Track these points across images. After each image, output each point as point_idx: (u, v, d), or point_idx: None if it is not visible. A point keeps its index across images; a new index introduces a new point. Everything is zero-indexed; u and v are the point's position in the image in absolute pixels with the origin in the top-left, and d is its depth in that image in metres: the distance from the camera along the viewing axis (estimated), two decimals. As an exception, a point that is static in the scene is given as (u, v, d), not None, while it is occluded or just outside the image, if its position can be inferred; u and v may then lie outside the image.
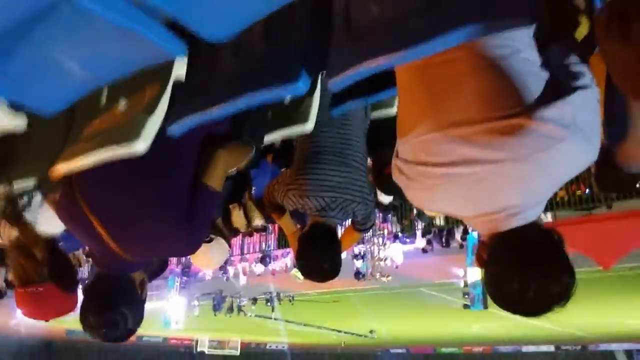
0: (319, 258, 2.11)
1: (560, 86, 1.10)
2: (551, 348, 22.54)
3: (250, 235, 11.39)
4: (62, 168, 1.56)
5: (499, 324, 17.19)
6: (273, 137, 2.01)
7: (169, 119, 1.41)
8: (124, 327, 1.60)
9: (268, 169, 3.02)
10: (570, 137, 1.07)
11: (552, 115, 1.06)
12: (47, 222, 1.88)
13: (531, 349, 22.66)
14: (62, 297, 1.86)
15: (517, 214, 1.15)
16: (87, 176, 1.52)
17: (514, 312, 1.19)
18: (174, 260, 12.08)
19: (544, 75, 1.11)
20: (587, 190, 8.13)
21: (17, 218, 1.87)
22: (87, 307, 1.61)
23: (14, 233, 1.87)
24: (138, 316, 1.66)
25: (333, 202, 2.10)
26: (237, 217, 3.17)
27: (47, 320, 1.90)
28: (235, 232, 3.27)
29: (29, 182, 1.80)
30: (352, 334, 20.40)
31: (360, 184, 2.14)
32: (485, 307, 11.21)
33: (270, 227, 10.01)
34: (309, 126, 1.94)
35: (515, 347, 22.88)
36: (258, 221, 5.12)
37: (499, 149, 1.09)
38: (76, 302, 1.99)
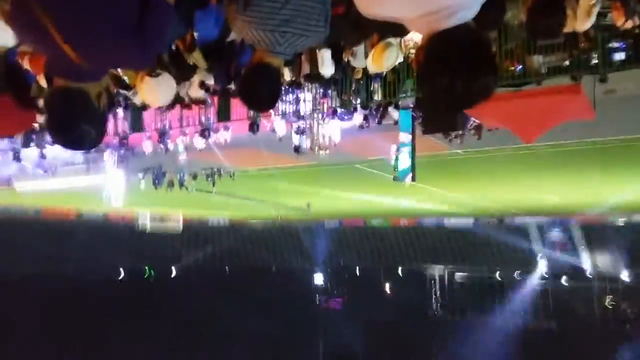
0: (262, 100, 2.21)
1: None
2: (470, 221, 24.85)
3: (189, 107, 11.28)
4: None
5: (425, 197, 18.52)
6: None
7: None
8: (88, 141, 1.72)
9: (213, 10, 2.93)
10: None
11: None
12: None
13: (452, 222, 24.91)
14: (20, 110, 1.92)
15: (454, 14, 1.27)
16: None
17: (443, 104, 1.35)
18: (111, 131, 11.82)
19: None
20: (520, 67, 8.45)
21: None
22: (49, 126, 1.69)
23: None
24: (100, 128, 1.75)
25: (282, 36, 2.04)
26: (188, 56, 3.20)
27: (11, 136, 2.00)
28: (187, 69, 3.27)
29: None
30: (290, 207, 21.34)
31: (312, 15, 2.05)
32: (414, 180, 11.99)
33: (210, 100, 9.91)
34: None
35: (437, 220, 24.99)
36: (198, 78, 5.10)
37: None
38: (34, 118, 2.09)
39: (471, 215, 23.53)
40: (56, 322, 21.71)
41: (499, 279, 26.28)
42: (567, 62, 8.27)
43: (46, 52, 1.65)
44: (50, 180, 15.36)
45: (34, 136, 11.06)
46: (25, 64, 2.30)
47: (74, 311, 22.12)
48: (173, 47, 3.40)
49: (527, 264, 25.41)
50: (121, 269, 26.30)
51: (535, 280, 25.42)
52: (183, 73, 3.29)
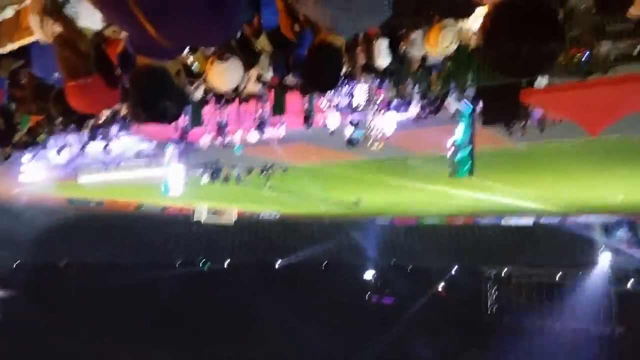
0: (325, 79, 2.28)
1: None
2: (530, 221, 23.76)
3: (246, 101, 11.39)
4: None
5: (481, 194, 18.00)
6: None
7: None
8: (170, 115, 1.86)
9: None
10: None
11: None
12: (88, 16, 1.96)
13: (511, 221, 23.92)
14: (107, 89, 2.04)
15: None
16: None
17: (508, 71, 1.35)
18: (171, 126, 12.18)
19: None
20: (586, 54, 8.01)
21: (58, 13, 1.94)
22: (133, 102, 1.81)
23: (57, 29, 1.95)
24: (181, 102, 1.89)
25: (346, 14, 1.93)
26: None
27: (96, 112, 2.11)
28: (254, 55, 3.38)
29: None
30: (339, 203, 21.33)
31: None
32: (471, 173, 11.64)
33: (266, 94, 10.02)
34: None
35: (496, 219, 24.13)
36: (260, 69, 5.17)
37: None
38: (119, 96, 2.20)
39: (531, 213, 22.59)
40: (113, 312, 22.73)
41: (560, 280, 25.22)
42: (637, 50, 7.84)
43: (130, 32, 1.74)
44: (113, 173, 16.02)
45: (100, 130, 11.55)
46: None
47: (130, 301, 23.12)
48: (239, 34, 3.53)
49: (591, 266, 24.22)
50: (177, 259, 27.34)
51: (599, 283, 24.18)
52: (250, 58, 3.41)
